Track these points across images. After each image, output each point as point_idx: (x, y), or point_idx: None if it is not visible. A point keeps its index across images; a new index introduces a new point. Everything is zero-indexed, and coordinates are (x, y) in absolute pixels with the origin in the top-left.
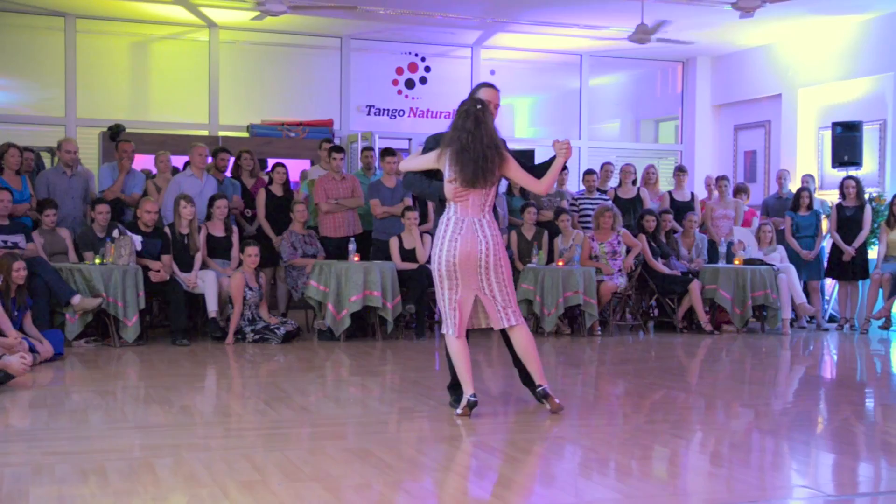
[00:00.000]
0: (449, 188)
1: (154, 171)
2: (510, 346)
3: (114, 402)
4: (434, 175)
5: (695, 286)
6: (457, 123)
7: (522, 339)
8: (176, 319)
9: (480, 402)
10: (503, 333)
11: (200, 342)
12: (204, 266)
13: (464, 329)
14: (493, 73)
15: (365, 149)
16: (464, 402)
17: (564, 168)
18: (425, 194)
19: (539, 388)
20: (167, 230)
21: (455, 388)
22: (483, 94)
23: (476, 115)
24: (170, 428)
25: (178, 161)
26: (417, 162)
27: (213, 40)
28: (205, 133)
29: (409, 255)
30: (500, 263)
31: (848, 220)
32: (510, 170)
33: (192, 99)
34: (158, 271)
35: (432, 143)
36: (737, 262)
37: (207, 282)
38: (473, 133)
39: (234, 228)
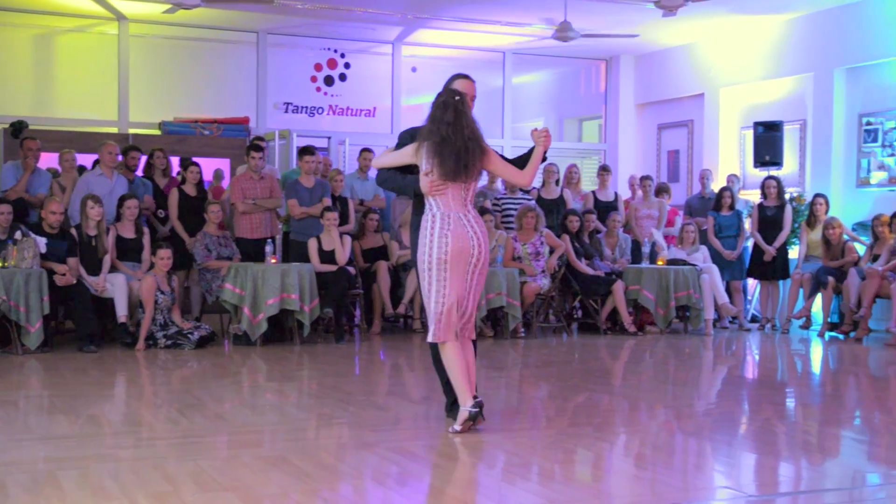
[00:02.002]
0: (425, 181)
1: (60, 169)
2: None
3: (15, 413)
4: (408, 170)
5: (618, 287)
6: (435, 115)
7: (469, 354)
8: (83, 325)
9: (400, 406)
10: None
11: (109, 349)
12: (113, 269)
13: (453, 332)
14: (414, 70)
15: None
16: (463, 415)
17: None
18: (400, 189)
19: (476, 402)
20: (74, 231)
21: (456, 406)
22: (459, 85)
23: (456, 106)
24: (76, 439)
25: (86, 160)
26: (392, 157)
27: (123, 34)
28: (114, 130)
29: (328, 256)
30: (486, 264)
31: (769, 220)
32: (492, 162)
33: (101, 95)
34: (64, 275)
35: (407, 139)
36: (660, 263)
37: (117, 285)
38: (454, 125)
39: (146, 230)
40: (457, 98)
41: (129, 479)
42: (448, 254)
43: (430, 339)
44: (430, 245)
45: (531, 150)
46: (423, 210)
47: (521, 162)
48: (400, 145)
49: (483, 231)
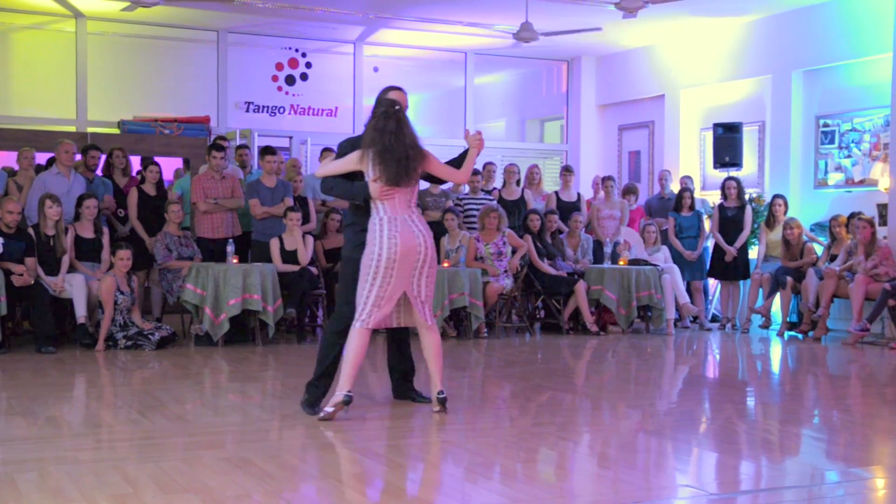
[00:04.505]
0: (374, 187)
1: (16, 167)
2: (396, 351)
3: None
4: (353, 177)
5: (580, 287)
6: (377, 125)
7: (434, 341)
8: (41, 326)
9: (363, 406)
10: (391, 337)
11: (68, 349)
12: (72, 269)
13: (382, 323)
14: (376, 70)
15: (240, 147)
16: (338, 398)
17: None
18: (349, 195)
19: (440, 394)
20: (31, 231)
21: (315, 385)
22: (394, 96)
23: (397, 116)
24: (34, 441)
25: (44, 159)
26: (336, 166)
27: (81, 31)
28: (72, 129)
29: (290, 256)
30: (434, 259)
31: (729, 221)
32: (432, 165)
33: (59, 93)
34: (22, 275)
35: (348, 147)
36: (622, 263)
37: (75, 285)
38: (395, 134)
39: (105, 229)
40: (397, 108)
41: (89, 482)
42: (397, 254)
43: (359, 325)
44: (379, 245)
45: (465, 152)
46: (360, 211)
47: (456, 163)
48: (341, 154)
49: (427, 230)
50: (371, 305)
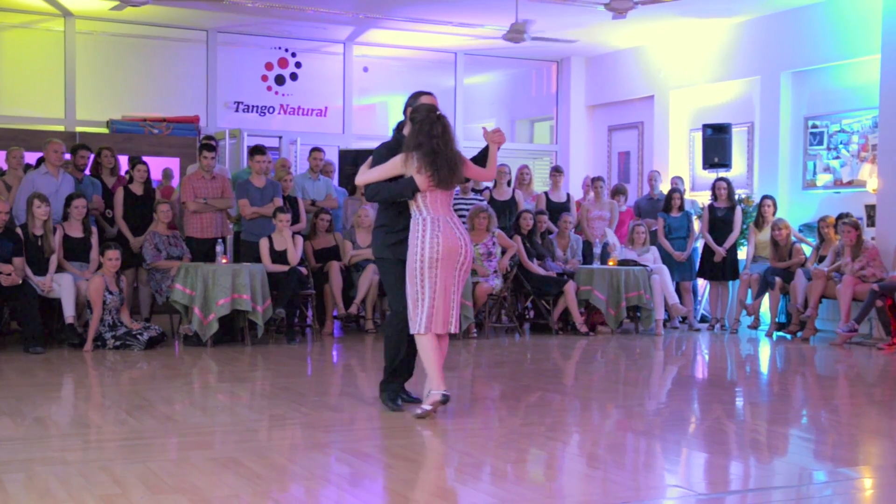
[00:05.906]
0: (420, 178)
1: (5, 167)
2: (406, 354)
3: None
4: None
5: (570, 287)
6: (423, 129)
7: (445, 345)
8: (29, 325)
9: (353, 407)
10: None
11: (56, 350)
12: (60, 269)
13: (444, 326)
14: (365, 70)
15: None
16: (436, 397)
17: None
18: (397, 194)
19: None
20: (19, 231)
21: (388, 382)
22: (428, 101)
23: (442, 121)
24: (22, 441)
25: (32, 158)
26: (380, 172)
27: (69, 30)
28: (61, 129)
29: (279, 256)
30: (471, 262)
31: (719, 221)
32: (468, 168)
33: (47, 92)
34: (10, 275)
35: (385, 152)
36: (611, 263)
37: (64, 285)
38: (442, 138)
39: (94, 229)
40: (438, 114)
41: (77, 482)
42: (440, 253)
43: (413, 330)
44: (421, 244)
45: (485, 150)
46: (391, 213)
47: (479, 162)
48: (378, 160)
49: (467, 233)
50: (424, 307)
